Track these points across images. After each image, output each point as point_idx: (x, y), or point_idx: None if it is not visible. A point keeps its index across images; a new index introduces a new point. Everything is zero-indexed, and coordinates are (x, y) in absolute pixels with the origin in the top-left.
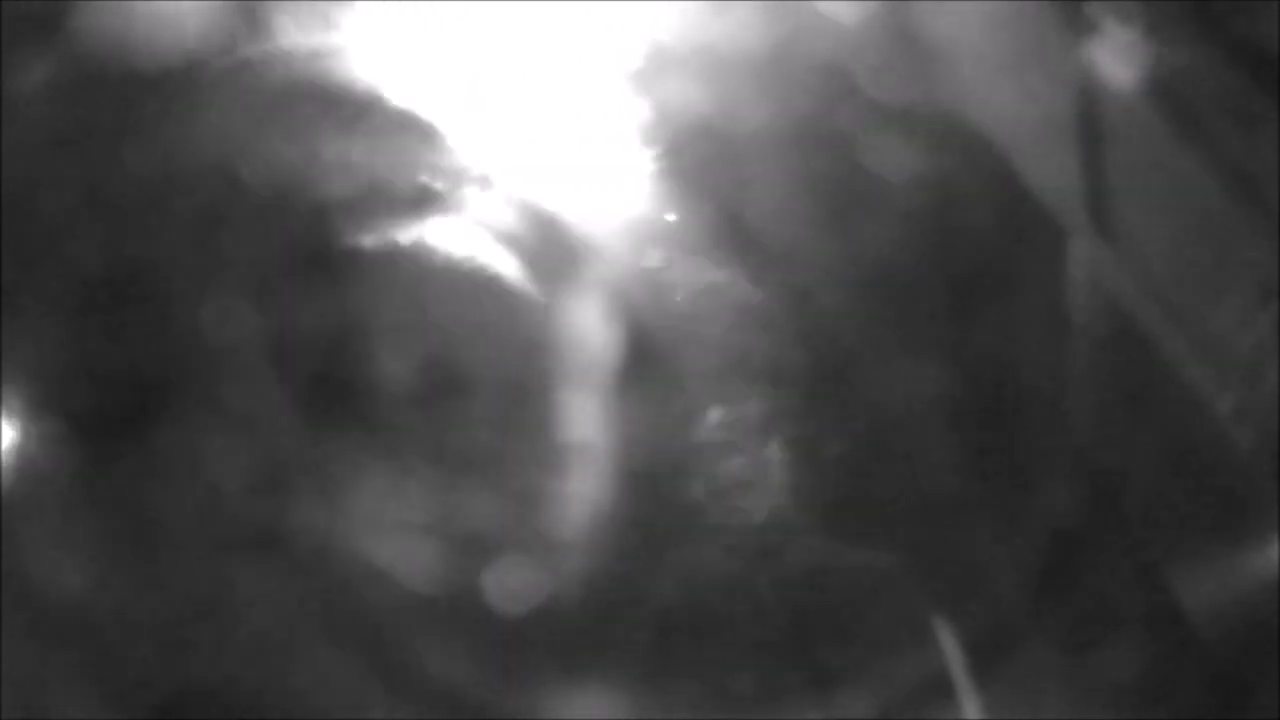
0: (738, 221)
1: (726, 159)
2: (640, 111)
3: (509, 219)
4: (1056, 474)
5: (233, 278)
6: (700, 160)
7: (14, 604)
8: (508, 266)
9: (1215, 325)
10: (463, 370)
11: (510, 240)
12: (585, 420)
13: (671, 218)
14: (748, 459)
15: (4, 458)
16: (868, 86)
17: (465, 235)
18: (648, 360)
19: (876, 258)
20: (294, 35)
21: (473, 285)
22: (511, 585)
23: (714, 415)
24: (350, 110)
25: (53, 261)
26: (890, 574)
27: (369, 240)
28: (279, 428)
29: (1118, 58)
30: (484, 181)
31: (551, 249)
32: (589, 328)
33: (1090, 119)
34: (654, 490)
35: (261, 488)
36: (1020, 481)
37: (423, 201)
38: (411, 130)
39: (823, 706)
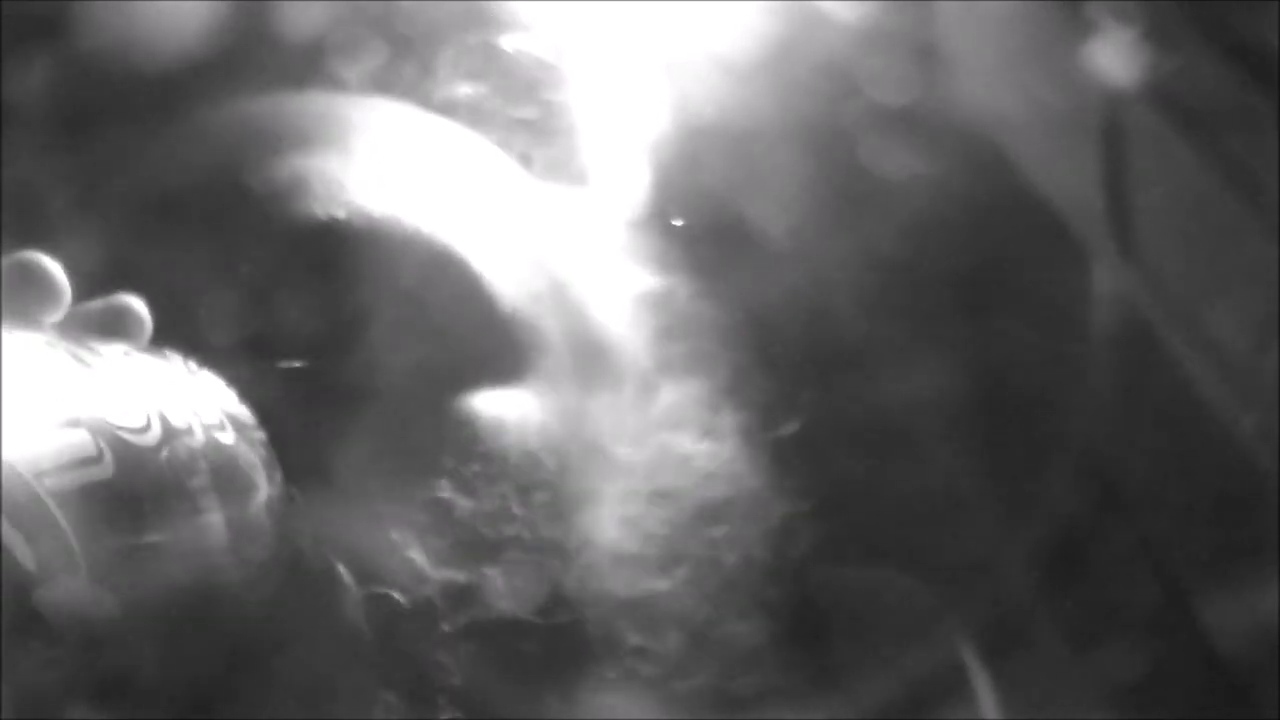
0: (739, 221)
1: (728, 159)
2: (642, 113)
3: (509, 224)
4: (1063, 474)
5: (233, 276)
6: (702, 160)
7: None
8: (512, 271)
9: (1235, 344)
10: (460, 369)
11: (513, 243)
12: (587, 421)
13: (675, 221)
14: (751, 460)
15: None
16: (869, 87)
17: (466, 238)
18: (648, 361)
19: (879, 257)
20: (293, 35)
21: (474, 289)
22: (512, 586)
23: (719, 416)
24: (349, 112)
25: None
26: (899, 585)
27: (369, 239)
28: (277, 426)
29: (1119, 58)
30: (483, 183)
31: (551, 255)
32: (593, 331)
33: (1101, 124)
34: (659, 495)
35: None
36: (1025, 481)
37: (423, 203)
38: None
39: (826, 707)
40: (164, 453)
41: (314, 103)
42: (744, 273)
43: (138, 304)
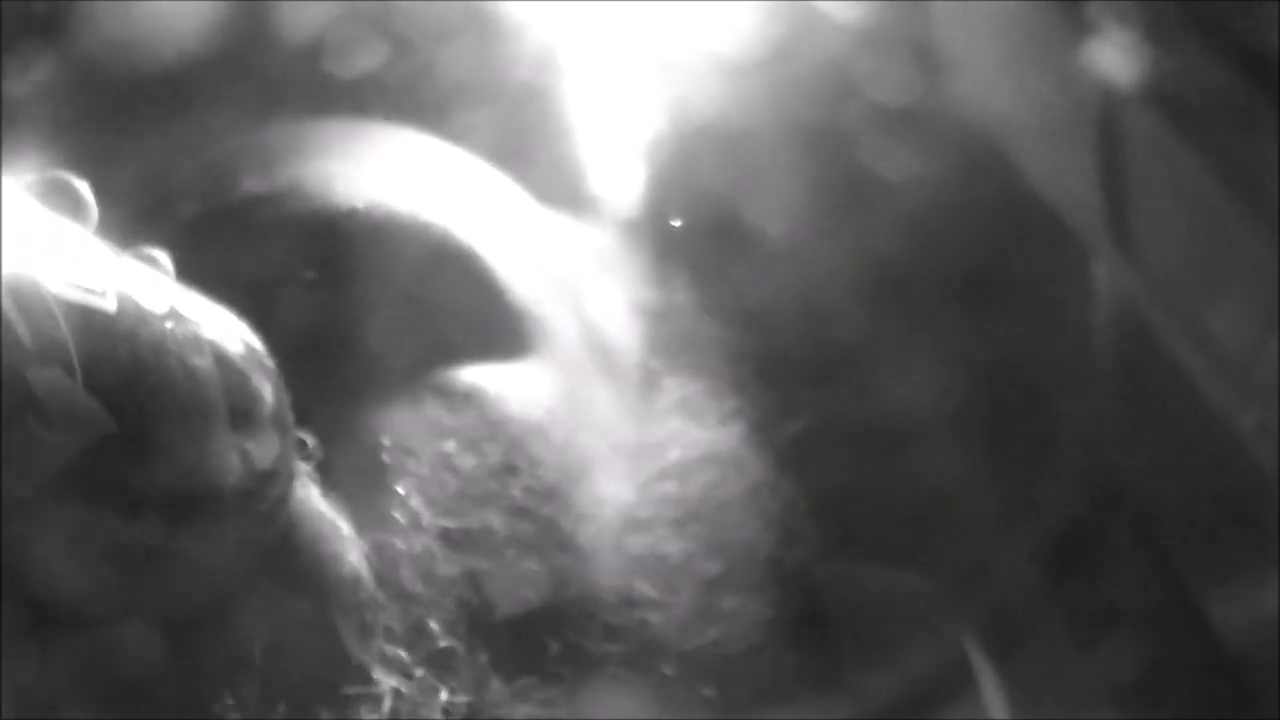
0: (738, 222)
1: (726, 159)
2: (640, 113)
3: (509, 224)
4: (1064, 473)
5: (233, 276)
6: (700, 161)
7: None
8: (518, 270)
9: (1234, 342)
10: (469, 347)
11: (513, 240)
12: (591, 405)
13: (674, 221)
14: (750, 459)
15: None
16: (868, 87)
17: (465, 239)
18: (650, 359)
19: (878, 257)
20: (293, 33)
21: (483, 278)
22: (512, 584)
23: (720, 408)
24: (349, 111)
25: None
26: (901, 584)
27: (386, 231)
28: (292, 381)
29: (1118, 59)
30: (485, 183)
31: (553, 249)
32: (597, 329)
33: (1100, 125)
34: (658, 495)
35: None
36: (1026, 480)
37: (434, 205)
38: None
39: (829, 706)
40: (169, 324)
41: (329, 122)
42: (743, 272)
43: (163, 256)
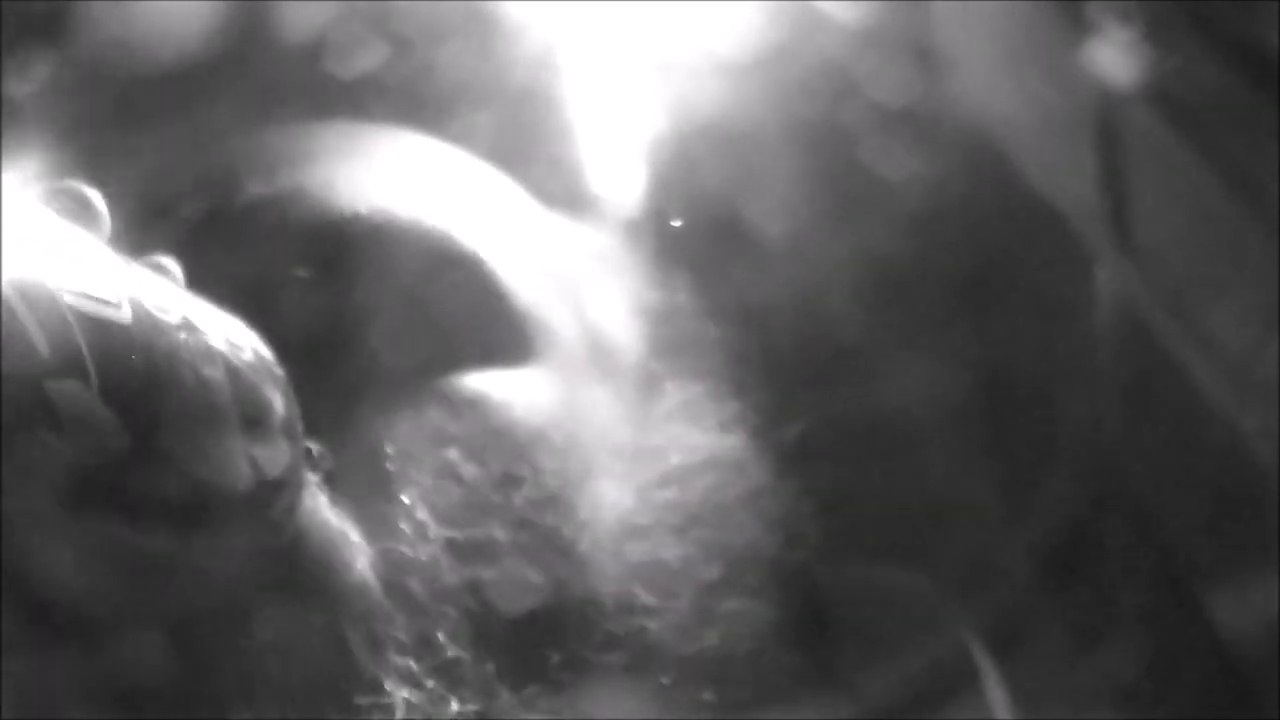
0: (738, 222)
1: (727, 160)
2: (640, 113)
3: (510, 226)
4: (1065, 473)
5: (235, 279)
6: (700, 161)
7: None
8: (521, 275)
9: (1235, 343)
10: (473, 353)
11: (514, 243)
12: (593, 409)
13: (674, 221)
14: (751, 461)
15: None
16: (868, 87)
17: (467, 243)
18: (651, 361)
19: (878, 256)
20: (293, 34)
21: (487, 284)
22: (514, 593)
23: (722, 411)
24: (349, 112)
25: None
26: (903, 584)
27: (370, 241)
28: (297, 390)
29: (1118, 59)
30: (485, 186)
31: (554, 251)
32: (599, 333)
33: (1099, 125)
34: (658, 500)
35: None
36: (1027, 479)
37: (437, 211)
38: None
39: (831, 706)
40: (182, 335)
41: (330, 125)
42: (743, 273)
43: (174, 264)
